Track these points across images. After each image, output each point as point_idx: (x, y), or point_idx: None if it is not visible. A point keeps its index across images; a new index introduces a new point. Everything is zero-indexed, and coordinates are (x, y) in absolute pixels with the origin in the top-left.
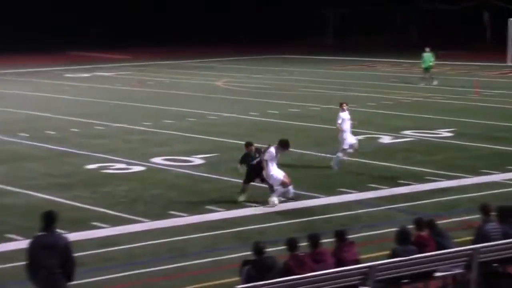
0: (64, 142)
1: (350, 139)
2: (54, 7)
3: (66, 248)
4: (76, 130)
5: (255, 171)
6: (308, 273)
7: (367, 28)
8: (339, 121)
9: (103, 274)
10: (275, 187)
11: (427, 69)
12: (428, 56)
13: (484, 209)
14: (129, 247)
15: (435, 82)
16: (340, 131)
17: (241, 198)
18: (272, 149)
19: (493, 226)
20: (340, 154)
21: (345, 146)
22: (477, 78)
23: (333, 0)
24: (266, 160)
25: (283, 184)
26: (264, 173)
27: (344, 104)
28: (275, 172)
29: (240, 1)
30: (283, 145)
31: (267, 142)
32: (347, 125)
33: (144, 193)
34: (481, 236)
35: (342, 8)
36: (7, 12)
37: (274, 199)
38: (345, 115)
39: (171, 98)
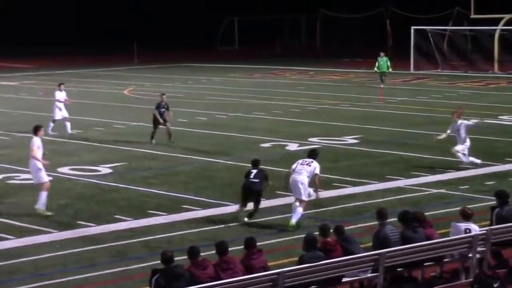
0: None
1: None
2: None
3: None
4: None
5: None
6: (211, 275)
7: (273, 35)
8: (448, 131)
9: (9, 286)
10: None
11: (383, 73)
12: (384, 61)
13: (380, 214)
14: (36, 258)
15: (383, 86)
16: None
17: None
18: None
19: (390, 229)
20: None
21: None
22: (381, 86)
23: (239, 7)
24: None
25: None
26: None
27: (455, 115)
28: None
29: (145, 9)
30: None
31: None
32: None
33: (51, 203)
34: (380, 240)
35: (248, 15)
36: None
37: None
38: (456, 126)
39: (78, 107)
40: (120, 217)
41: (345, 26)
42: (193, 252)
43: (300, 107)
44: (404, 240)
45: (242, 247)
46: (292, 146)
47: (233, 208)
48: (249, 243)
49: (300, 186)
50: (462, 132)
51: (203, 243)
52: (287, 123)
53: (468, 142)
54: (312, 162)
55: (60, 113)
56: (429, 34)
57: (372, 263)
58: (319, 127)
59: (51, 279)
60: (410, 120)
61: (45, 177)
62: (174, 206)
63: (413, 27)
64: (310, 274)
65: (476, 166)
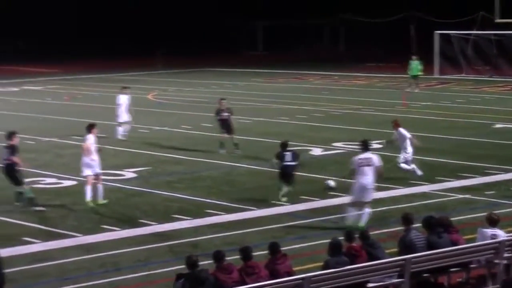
0: None
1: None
2: None
3: None
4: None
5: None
6: (236, 280)
7: (297, 40)
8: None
9: None
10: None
11: (414, 77)
12: (415, 64)
13: (405, 219)
14: (61, 262)
15: (416, 90)
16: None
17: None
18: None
19: (415, 235)
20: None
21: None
22: (405, 90)
23: (262, 12)
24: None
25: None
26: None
27: (394, 124)
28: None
29: (169, 13)
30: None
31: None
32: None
33: (76, 207)
34: (406, 246)
35: (271, 20)
36: None
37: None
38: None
39: (101, 112)
40: (145, 221)
41: (369, 30)
42: (218, 256)
43: (324, 111)
44: (429, 245)
45: (266, 252)
46: (316, 151)
47: (256, 212)
48: (274, 248)
49: (370, 190)
50: (401, 141)
51: (227, 247)
52: (310, 127)
53: (409, 150)
54: (371, 158)
55: (122, 116)
56: (453, 39)
57: (397, 269)
58: (343, 132)
59: (76, 283)
60: (434, 125)
61: (86, 172)
62: (198, 211)
63: (437, 32)
64: (335, 279)
65: (417, 176)
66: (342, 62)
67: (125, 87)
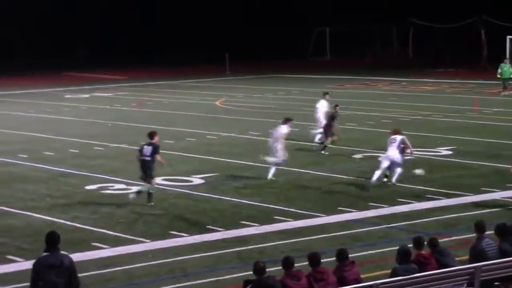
0: (63, 163)
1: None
2: (49, 27)
3: (71, 268)
4: (75, 151)
5: None
6: (305, 286)
7: (364, 46)
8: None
9: None
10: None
11: (506, 80)
12: (507, 67)
13: (478, 227)
14: (129, 268)
15: (506, 93)
16: None
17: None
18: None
19: (487, 243)
20: None
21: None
22: (476, 96)
23: (329, 18)
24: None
25: None
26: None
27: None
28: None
29: (236, 20)
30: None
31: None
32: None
33: (144, 213)
34: (477, 254)
35: (338, 26)
36: (2, 33)
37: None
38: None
39: (170, 118)
40: (212, 227)
41: (438, 36)
42: (287, 262)
43: (392, 118)
44: (502, 253)
45: (333, 259)
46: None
47: (324, 219)
48: (341, 255)
49: None
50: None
51: (294, 254)
52: (379, 134)
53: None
54: None
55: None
56: None
57: (467, 277)
58: (412, 138)
59: None
60: (505, 131)
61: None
62: (265, 217)
63: (508, 37)
64: (404, 287)
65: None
66: (411, 68)
67: (326, 93)
